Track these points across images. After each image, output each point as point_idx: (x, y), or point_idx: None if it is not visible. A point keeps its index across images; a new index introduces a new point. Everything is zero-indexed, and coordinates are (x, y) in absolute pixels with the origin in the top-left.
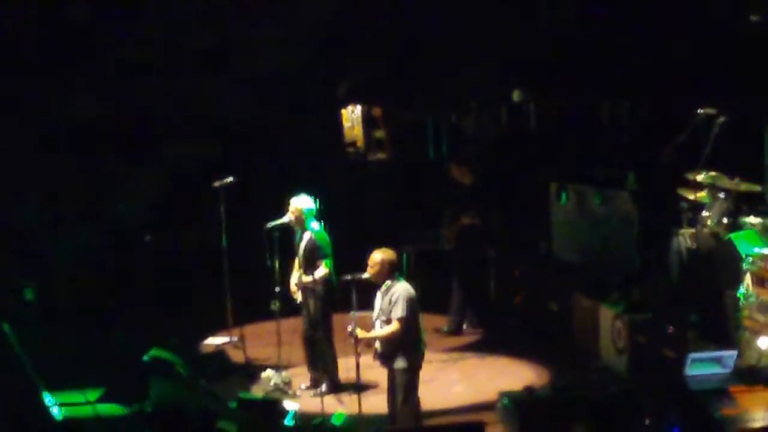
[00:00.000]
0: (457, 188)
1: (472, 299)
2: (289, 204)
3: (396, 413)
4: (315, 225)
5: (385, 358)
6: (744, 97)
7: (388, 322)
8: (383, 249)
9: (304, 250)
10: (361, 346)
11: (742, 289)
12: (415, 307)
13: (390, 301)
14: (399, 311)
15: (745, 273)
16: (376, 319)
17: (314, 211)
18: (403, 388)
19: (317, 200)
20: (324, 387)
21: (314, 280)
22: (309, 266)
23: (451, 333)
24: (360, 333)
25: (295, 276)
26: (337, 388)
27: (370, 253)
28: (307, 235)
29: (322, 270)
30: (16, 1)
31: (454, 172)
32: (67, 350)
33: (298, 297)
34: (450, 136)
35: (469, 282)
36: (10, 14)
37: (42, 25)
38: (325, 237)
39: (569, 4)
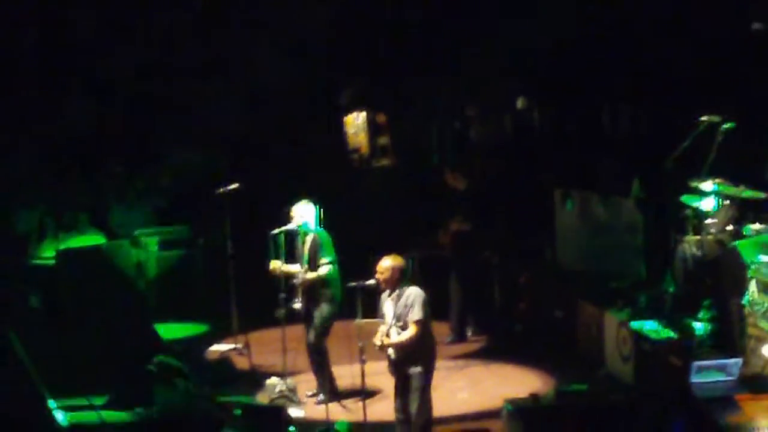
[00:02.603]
0: (451, 194)
1: (473, 305)
2: (292, 211)
3: (409, 417)
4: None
5: (401, 364)
6: (747, 104)
7: (404, 327)
8: (392, 255)
9: (309, 252)
10: (376, 349)
11: (747, 297)
12: (428, 309)
13: (405, 305)
14: (416, 314)
15: (750, 280)
16: (391, 327)
17: (317, 215)
18: (420, 391)
19: (320, 207)
20: (321, 395)
21: (319, 277)
22: (313, 267)
23: (453, 342)
24: (386, 340)
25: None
26: (334, 395)
27: (377, 259)
28: (309, 238)
29: (326, 267)
30: (15, 10)
31: (448, 178)
32: (72, 357)
33: (298, 305)
34: (454, 142)
35: (467, 288)
36: (8, 23)
37: (41, 34)
38: (328, 238)
39: (572, 12)
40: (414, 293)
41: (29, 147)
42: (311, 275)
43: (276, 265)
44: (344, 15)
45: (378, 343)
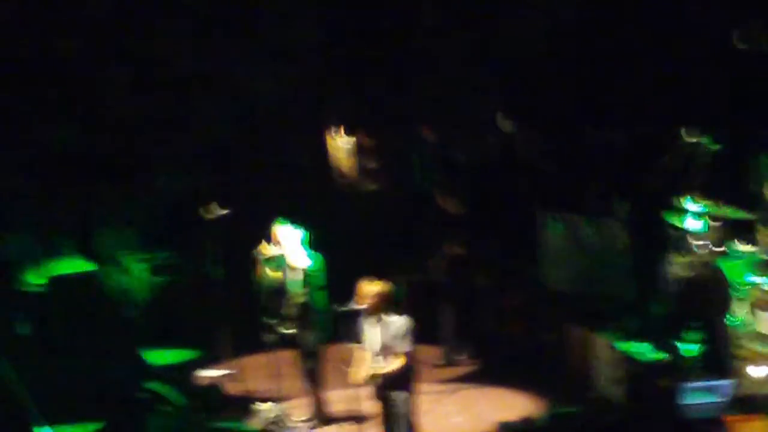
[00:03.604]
0: (442, 218)
1: (464, 329)
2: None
3: None
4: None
5: (386, 390)
6: (732, 124)
7: (391, 355)
8: (378, 282)
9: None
10: (361, 381)
11: (737, 318)
12: (413, 338)
13: (393, 336)
14: (406, 345)
15: (738, 301)
16: (376, 354)
17: (306, 240)
18: (405, 419)
19: (309, 231)
20: (314, 420)
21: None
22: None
23: (444, 365)
24: (372, 371)
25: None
26: (327, 420)
27: (360, 284)
28: (297, 258)
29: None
30: (5, 30)
31: (439, 201)
32: (62, 384)
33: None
34: (440, 164)
35: (458, 312)
36: None
37: (29, 51)
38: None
39: (556, 32)
40: (402, 324)
41: (14, 171)
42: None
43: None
44: (329, 37)
45: (365, 375)
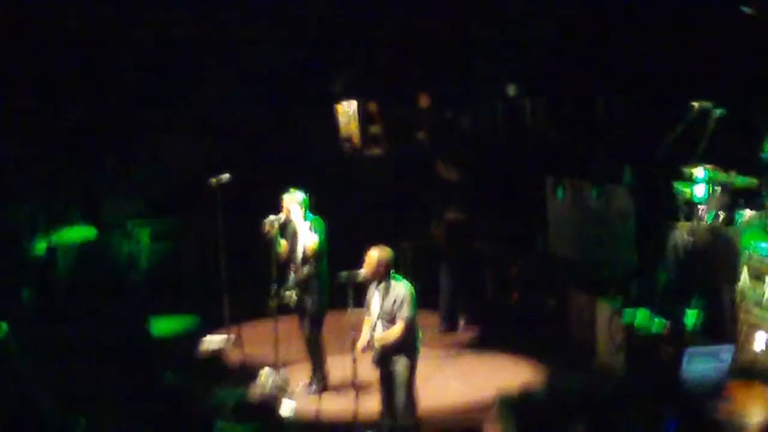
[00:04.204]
0: (443, 184)
1: (464, 295)
2: (282, 200)
3: (395, 410)
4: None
5: (385, 356)
6: (739, 90)
7: (392, 322)
8: (380, 247)
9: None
10: (363, 347)
11: (739, 284)
12: (416, 305)
13: (394, 301)
14: (405, 311)
15: (742, 267)
16: (378, 319)
17: (307, 204)
18: (404, 385)
19: (311, 196)
20: (314, 386)
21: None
22: (308, 256)
23: (446, 331)
24: (373, 337)
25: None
26: (326, 387)
27: (367, 250)
28: (305, 226)
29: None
30: (6, 7)
31: (440, 169)
32: (64, 349)
33: (293, 297)
34: (444, 131)
35: (459, 278)
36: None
37: (33, 29)
38: (321, 224)
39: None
40: (403, 289)
41: (19, 140)
42: (305, 271)
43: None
44: (337, 4)
45: (365, 342)
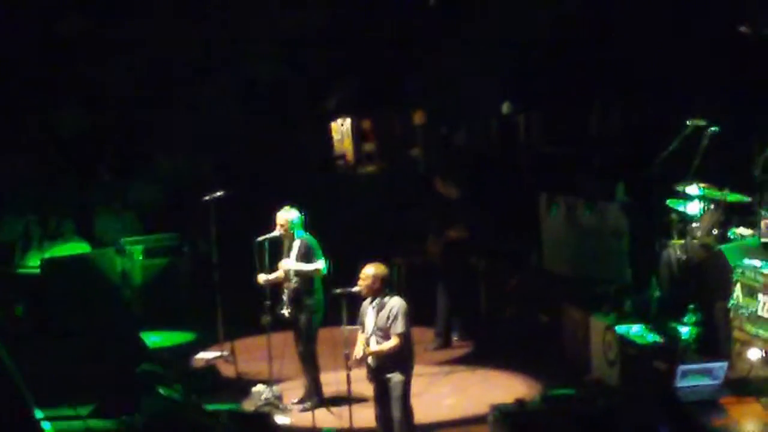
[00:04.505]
0: (442, 202)
1: (459, 312)
2: (276, 218)
3: (390, 425)
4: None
5: (380, 372)
6: (733, 107)
7: (386, 337)
8: (375, 263)
9: (297, 255)
10: (356, 362)
11: (732, 301)
12: (408, 320)
13: (388, 317)
14: (399, 327)
15: (735, 284)
16: (371, 335)
17: (302, 221)
18: (400, 401)
19: (305, 213)
20: (308, 402)
21: (312, 271)
22: (301, 273)
23: (439, 348)
24: (367, 350)
25: (272, 275)
26: (322, 402)
27: (361, 266)
28: (297, 243)
29: (321, 263)
30: (7, 15)
31: (439, 186)
32: (58, 365)
33: (285, 312)
34: (440, 148)
35: (454, 294)
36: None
37: (32, 39)
38: (315, 241)
39: (558, 16)
40: (397, 305)
41: (16, 154)
42: (306, 267)
43: (262, 278)
44: (332, 22)
45: (359, 356)
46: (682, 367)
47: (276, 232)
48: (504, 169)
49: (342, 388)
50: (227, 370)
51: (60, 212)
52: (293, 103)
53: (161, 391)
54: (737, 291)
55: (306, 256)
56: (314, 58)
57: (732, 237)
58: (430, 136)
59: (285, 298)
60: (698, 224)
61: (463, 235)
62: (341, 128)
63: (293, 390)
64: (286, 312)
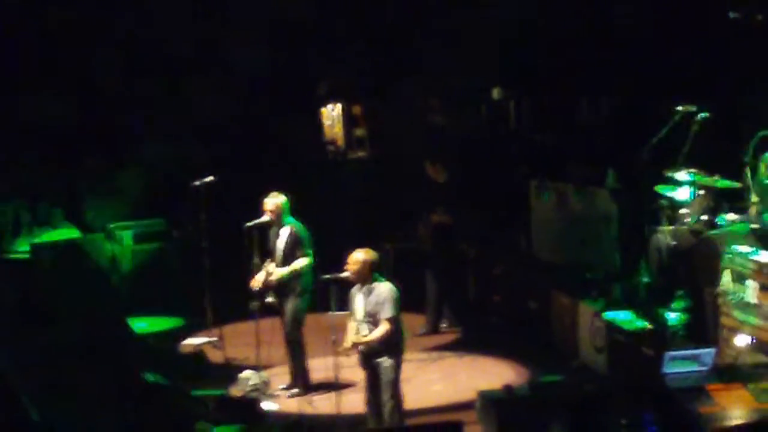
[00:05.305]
0: (431, 186)
1: (449, 298)
2: (264, 203)
3: (380, 410)
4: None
5: (371, 357)
6: (723, 93)
7: (375, 323)
8: (365, 249)
9: (285, 245)
10: (346, 350)
11: (721, 287)
12: (399, 304)
13: (377, 302)
14: (388, 311)
15: (724, 270)
16: (361, 321)
17: (288, 206)
18: (390, 385)
19: (293, 199)
20: (295, 388)
21: (295, 270)
22: (289, 260)
23: (428, 333)
24: (356, 338)
25: (262, 274)
26: (308, 388)
27: (350, 252)
28: (286, 230)
29: (304, 260)
30: None
31: (428, 170)
32: (46, 351)
33: (272, 297)
34: (431, 134)
35: (444, 280)
36: None
37: (17, 27)
38: (305, 231)
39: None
40: (386, 290)
41: (3, 140)
42: (286, 270)
43: (257, 282)
44: (322, 7)
45: (349, 344)
46: (670, 354)
47: (265, 217)
48: (494, 155)
49: (329, 374)
50: (215, 356)
51: (49, 198)
52: (283, 89)
53: (148, 376)
54: (726, 277)
55: (293, 246)
56: (306, 42)
57: (721, 223)
58: (420, 121)
59: (273, 283)
60: (688, 210)
61: (446, 219)
62: (332, 114)
63: (281, 376)
64: (272, 298)
